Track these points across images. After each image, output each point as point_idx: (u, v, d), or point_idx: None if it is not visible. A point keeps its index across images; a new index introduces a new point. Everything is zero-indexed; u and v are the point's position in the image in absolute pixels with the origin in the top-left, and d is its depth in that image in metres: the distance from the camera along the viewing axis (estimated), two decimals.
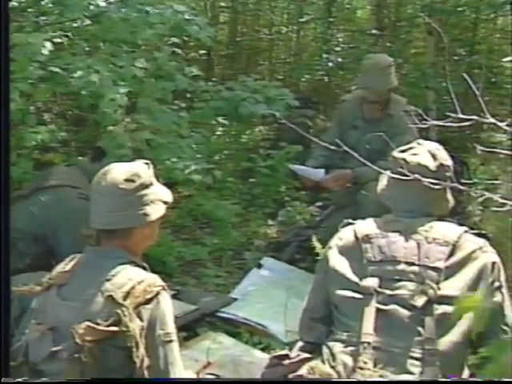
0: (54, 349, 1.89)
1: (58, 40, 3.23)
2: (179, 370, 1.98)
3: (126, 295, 1.93)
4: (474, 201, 3.93)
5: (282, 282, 3.54)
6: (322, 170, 3.81)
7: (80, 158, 3.52)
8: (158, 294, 1.97)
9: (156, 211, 2.11)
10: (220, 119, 4.52)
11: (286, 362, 1.99)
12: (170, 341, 1.97)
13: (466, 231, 2.13)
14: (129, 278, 1.98)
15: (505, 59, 5.89)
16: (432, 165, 2.24)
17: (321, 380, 1.95)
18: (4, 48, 1.97)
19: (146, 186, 2.10)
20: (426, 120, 2.31)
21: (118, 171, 2.10)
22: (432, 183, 1.90)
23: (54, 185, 2.95)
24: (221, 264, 3.84)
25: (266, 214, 4.44)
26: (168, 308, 2.00)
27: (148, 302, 1.95)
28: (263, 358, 2.86)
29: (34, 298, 2.07)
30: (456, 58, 5.73)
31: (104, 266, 2.03)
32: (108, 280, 1.97)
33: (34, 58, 2.86)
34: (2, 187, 1.97)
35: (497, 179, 4.43)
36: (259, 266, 3.71)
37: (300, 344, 2.15)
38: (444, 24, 5.47)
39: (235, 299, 3.35)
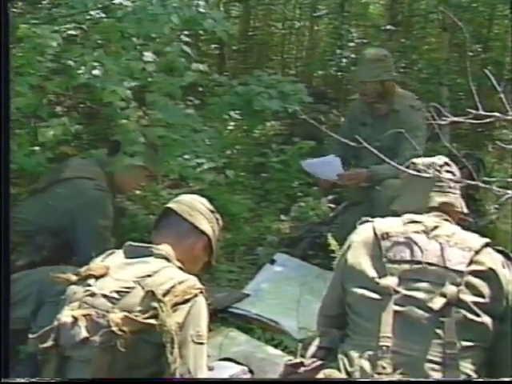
0: (87, 335, 1.89)
1: (73, 32, 3.22)
2: (204, 374, 1.98)
3: (166, 293, 1.96)
4: (489, 199, 3.89)
5: (294, 278, 3.53)
6: (338, 160, 3.73)
7: (93, 151, 3.49)
8: (195, 295, 1.99)
9: (207, 229, 2.32)
10: (232, 113, 4.50)
11: (301, 369, 1.97)
12: (201, 343, 1.98)
13: (487, 244, 2.11)
14: (170, 277, 2.02)
15: None
16: (438, 162, 2.37)
17: (321, 380, 1.93)
18: (4, 44, 1.96)
19: (217, 222, 2.39)
20: (445, 116, 2.29)
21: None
22: (452, 180, 1.89)
23: (70, 177, 2.94)
24: (233, 259, 3.81)
25: (278, 209, 4.41)
26: (203, 311, 2.03)
27: (185, 302, 1.98)
28: (276, 354, 2.86)
29: (66, 287, 2.09)
30: (471, 54, 5.68)
31: (145, 263, 2.06)
32: (149, 276, 2.00)
33: (43, 50, 2.84)
34: (2, 187, 1.96)
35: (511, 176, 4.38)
36: (272, 262, 3.69)
37: (313, 349, 2.13)
38: (459, 20, 5.42)
39: (248, 295, 3.34)
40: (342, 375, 1.93)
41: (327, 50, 6.76)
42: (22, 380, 1.91)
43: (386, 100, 3.86)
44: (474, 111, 2.07)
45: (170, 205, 2.35)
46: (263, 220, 4.26)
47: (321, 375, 1.95)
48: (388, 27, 6.25)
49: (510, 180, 2.53)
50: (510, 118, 2.04)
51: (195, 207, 2.34)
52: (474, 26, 6.32)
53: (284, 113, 4.29)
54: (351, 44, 6.26)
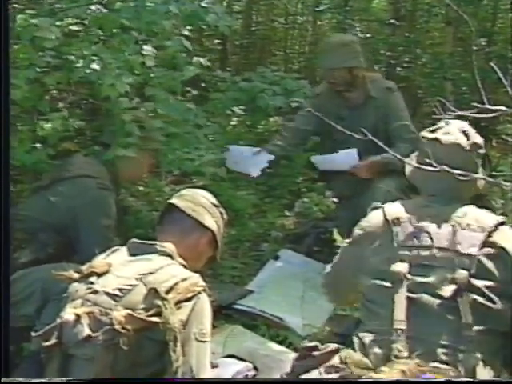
0: (90, 333, 1.88)
1: (74, 28, 3.21)
2: (206, 372, 1.97)
3: (169, 290, 1.95)
4: (495, 194, 3.86)
5: (299, 274, 3.51)
6: (353, 151, 3.57)
7: (96, 147, 3.48)
8: (199, 293, 1.97)
9: (211, 224, 2.31)
10: (236, 109, 4.48)
11: (316, 353, 1.96)
12: (205, 341, 1.97)
13: (503, 222, 2.07)
14: (172, 274, 2.01)
15: None
16: (466, 143, 2.23)
17: (321, 380, 1.92)
18: (4, 41, 1.95)
19: (219, 209, 2.37)
20: (450, 110, 2.27)
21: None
22: (460, 174, 1.87)
23: (73, 175, 2.92)
24: (237, 255, 3.80)
25: (282, 204, 4.39)
26: (207, 309, 2.02)
27: (188, 300, 1.97)
28: (280, 351, 2.84)
29: (69, 284, 2.07)
30: (475, 48, 5.65)
31: (148, 260, 2.05)
32: (151, 273, 1.98)
33: (41, 43, 2.83)
34: (2, 188, 1.95)
35: None
36: (276, 258, 3.67)
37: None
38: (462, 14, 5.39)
39: (252, 291, 3.32)
40: (359, 355, 1.92)
41: None
42: (22, 380, 1.90)
43: (356, 88, 3.71)
44: (479, 105, 2.04)
45: (172, 200, 2.33)
46: (267, 216, 4.24)
47: (338, 357, 1.94)
48: (391, 21, 6.22)
49: None
50: None
51: (198, 202, 2.32)
52: (477, 20, 6.27)
53: (288, 108, 4.27)
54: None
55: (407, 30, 6.42)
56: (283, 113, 5.22)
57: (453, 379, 1.83)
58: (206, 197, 2.37)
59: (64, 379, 1.88)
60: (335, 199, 4.13)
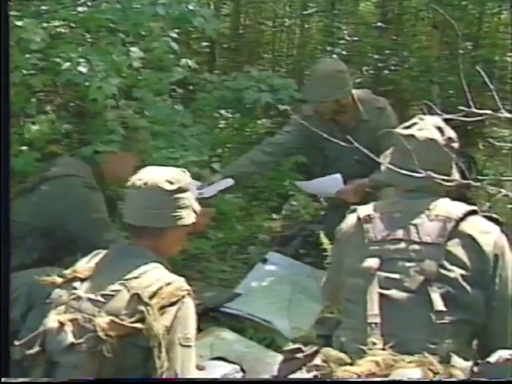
0: (74, 340, 1.86)
1: (61, 30, 3.19)
2: (191, 377, 1.96)
3: (153, 295, 1.92)
4: (481, 197, 3.88)
5: (286, 277, 3.50)
6: (338, 176, 3.49)
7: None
8: (183, 297, 1.96)
9: (189, 217, 2.15)
10: (223, 111, 4.49)
11: (300, 355, 1.97)
12: (189, 346, 1.95)
13: (474, 211, 2.08)
14: (156, 278, 1.98)
15: (510, 54, 5.88)
16: (440, 138, 2.23)
17: (320, 380, 1.92)
18: (4, 41, 1.94)
19: (183, 191, 2.12)
20: (437, 114, 2.28)
21: (158, 172, 2.14)
22: (445, 180, 1.87)
23: (57, 175, 2.87)
24: (225, 258, 3.80)
25: (270, 207, 4.40)
26: (191, 313, 1.99)
27: (172, 304, 1.94)
28: (268, 354, 2.84)
29: (54, 289, 2.05)
30: (461, 51, 5.69)
31: (131, 264, 2.02)
32: (135, 278, 1.96)
33: (26, 45, 2.81)
34: (2, 188, 1.94)
35: (502, 174, 4.39)
36: (264, 261, 3.66)
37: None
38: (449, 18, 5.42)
39: (239, 294, 3.31)
40: (338, 352, 1.93)
41: (318, 47, 6.76)
42: (22, 380, 1.89)
43: (346, 113, 3.56)
44: (466, 109, 2.06)
45: (126, 220, 2.14)
46: (255, 219, 4.25)
47: (318, 358, 1.95)
48: (379, 25, 6.25)
49: (502, 178, 2.51)
50: (501, 115, 2.03)
51: (154, 205, 2.09)
52: (464, 24, 6.32)
53: (275, 110, 4.28)
54: (342, 42, 6.26)
55: (394, 34, 6.45)
56: (271, 115, 5.24)
57: (451, 379, 1.83)
58: (160, 186, 2.09)
59: (65, 379, 1.88)
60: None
